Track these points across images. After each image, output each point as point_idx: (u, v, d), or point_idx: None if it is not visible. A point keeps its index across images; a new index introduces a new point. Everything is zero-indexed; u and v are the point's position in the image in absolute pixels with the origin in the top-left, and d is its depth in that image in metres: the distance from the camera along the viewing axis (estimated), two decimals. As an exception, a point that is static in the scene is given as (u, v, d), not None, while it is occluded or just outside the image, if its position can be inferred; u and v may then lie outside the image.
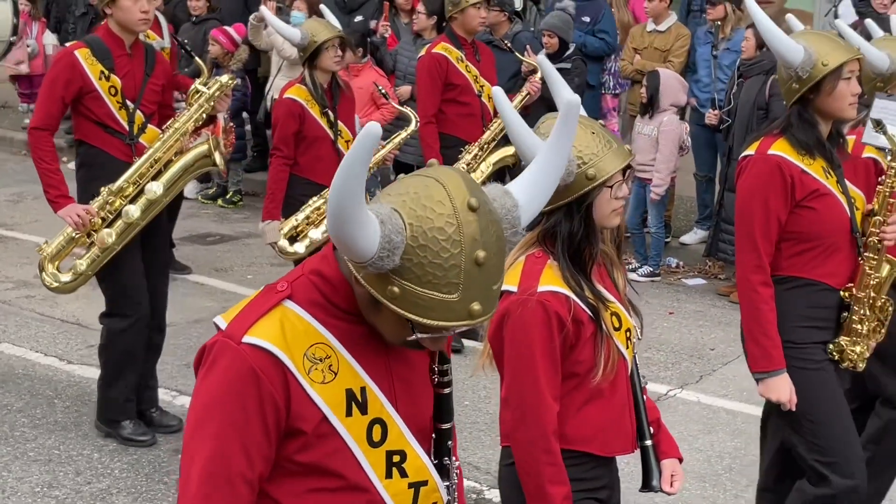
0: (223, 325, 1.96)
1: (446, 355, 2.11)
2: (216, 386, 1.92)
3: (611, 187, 2.68)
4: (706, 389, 6.12)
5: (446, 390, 2.12)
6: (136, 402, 5.21)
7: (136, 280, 5.05)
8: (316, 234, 5.58)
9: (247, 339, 1.91)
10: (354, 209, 1.77)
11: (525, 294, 2.66)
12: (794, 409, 3.53)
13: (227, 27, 9.35)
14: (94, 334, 6.51)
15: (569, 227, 2.69)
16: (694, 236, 8.63)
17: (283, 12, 9.26)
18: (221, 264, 8.12)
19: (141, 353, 5.16)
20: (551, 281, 2.67)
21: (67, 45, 5.12)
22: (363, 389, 1.98)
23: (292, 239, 5.53)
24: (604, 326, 2.70)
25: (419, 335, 1.88)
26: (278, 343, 1.91)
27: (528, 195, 2.04)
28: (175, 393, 5.70)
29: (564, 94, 2.85)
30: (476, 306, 1.83)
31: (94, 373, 5.92)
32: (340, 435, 1.96)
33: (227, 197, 9.82)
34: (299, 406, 1.92)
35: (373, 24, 9.63)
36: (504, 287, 2.70)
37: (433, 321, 1.83)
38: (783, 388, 3.53)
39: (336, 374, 1.95)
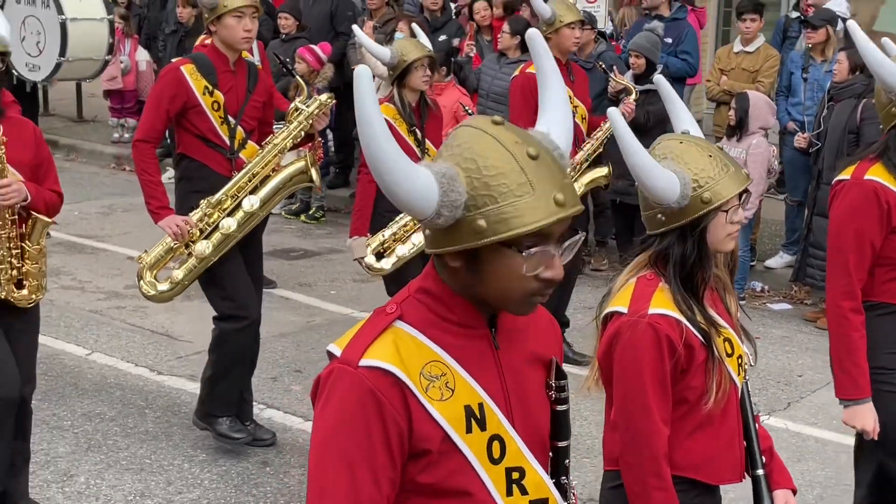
0: (337, 353, 1.96)
1: (563, 370, 2.11)
2: (338, 413, 1.91)
3: (726, 212, 2.65)
4: (794, 417, 6.03)
5: (563, 407, 2.10)
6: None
7: (244, 284, 5.12)
8: (403, 250, 5.60)
9: (364, 361, 1.90)
10: (396, 161, 1.83)
11: (635, 316, 2.64)
12: (876, 437, 3.48)
13: (313, 45, 9.46)
14: (182, 345, 6.65)
15: (682, 250, 2.66)
16: (780, 260, 8.51)
17: (375, 31, 9.35)
18: (305, 279, 8.21)
19: (249, 356, 5.22)
20: (663, 304, 2.65)
21: (174, 60, 5.22)
22: (481, 405, 1.97)
23: (379, 255, 5.56)
24: (715, 352, 2.67)
25: (528, 258, 1.86)
26: (395, 362, 1.91)
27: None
28: (262, 406, 5.76)
29: (684, 117, 2.85)
30: (559, 195, 1.84)
31: (184, 384, 6.04)
32: (462, 453, 1.95)
33: (311, 213, 9.93)
34: (421, 425, 1.91)
35: (455, 42, 9.69)
36: (614, 308, 2.71)
37: (529, 225, 1.83)
38: (867, 417, 3.49)
39: (453, 391, 1.94)
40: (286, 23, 9.80)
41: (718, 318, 2.73)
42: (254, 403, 5.57)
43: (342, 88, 10.24)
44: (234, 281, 5.07)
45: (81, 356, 6.43)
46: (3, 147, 4.13)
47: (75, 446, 5.27)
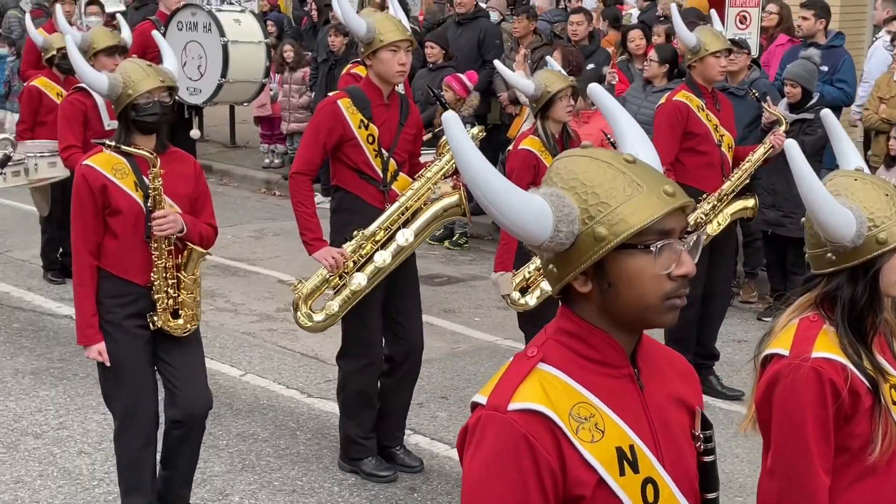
0: (483, 401, 1.95)
1: (708, 420, 2.08)
2: (489, 460, 1.89)
3: None
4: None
5: (710, 458, 2.07)
6: (378, 438, 5.36)
7: (374, 323, 5.23)
8: (547, 285, 5.60)
9: (513, 405, 1.89)
10: (505, 191, 1.89)
11: (798, 359, 2.57)
12: None
13: (460, 74, 9.58)
14: (332, 369, 6.75)
15: (852, 292, 2.58)
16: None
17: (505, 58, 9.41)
18: (449, 305, 8.28)
19: (375, 393, 5.32)
20: (827, 348, 2.56)
21: (330, 94, 5.36)
22: (631, 447, 1.94)
23: (524, 290, 5.57)
24: (882, 400, 2.58)
25: (657, 255, 1.88)
26: (545, 403, 1.90)
27: None
28: (409, 431, 5.81)
29: (851, 155, 2.77)
30: (667, 187, 1.91)
31: (333, 407, 6.14)
32: (619, 497, 1.92)
33: (454, 239, 10.02)
34: (575, 469, 1.89)
35: (604, 70, 9.67)
36: (774, 350, 2.65)
37: (647, 218, 1.87)
38: None
39: (603, 433, 1.92)
40: (433, 52, 9.95)
41: (886, 365, 2.64)
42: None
43: (487, 117, 10.37)
44: (368, 320, 5.17)
45: (235, 377, 6.63)
46: (161, 180, 4.32)
47: (230, 466, 5.44)
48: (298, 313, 5.17)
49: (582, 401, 1.93)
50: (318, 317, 5.12)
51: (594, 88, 2.28)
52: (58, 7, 8.10)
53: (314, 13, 12.73)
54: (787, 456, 2.58)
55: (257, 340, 7.31)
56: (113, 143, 4.29)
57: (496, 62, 6.59)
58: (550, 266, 1.96)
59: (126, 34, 7.60)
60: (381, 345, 5.30)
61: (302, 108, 11.75)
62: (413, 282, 5.40)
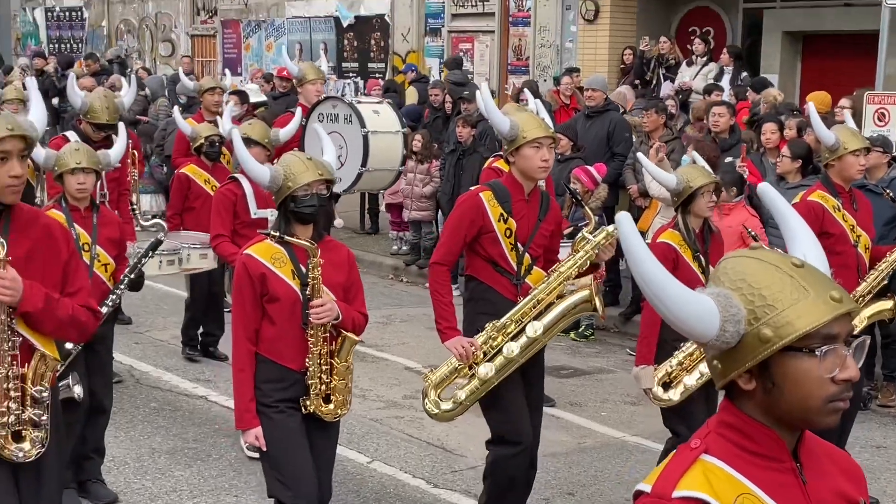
0: (647, 489, 2.00)
1: None
2: None
3: None
4: None
5: None
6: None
7: (520, 410, 5.23)
8: (690, 380, 5.51)
9: (677, 493, 1.95)
10: (674, 289, 1.96)
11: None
12: None
13: (588, 167, 9.64)
14: (457, 459, 6.79)
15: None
16: None
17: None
18: (576, 398, 8.22)
19: (524, 481, 5.30)
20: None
21: (472, 188, 5.48)
22: None
23: (666, 385, 5.51)
24: None
25: (821, 359, 1.91)
26: (709, 492, 1.94)
27: None
28: (534, 527, 5.78)
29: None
30: (834, 293, 1.94)
31: (459, 498, 6.15)
32: None
33: (580, 331, 9.98)
34: None
35: (736, 163, 9.60)
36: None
37: (812, 324, 1.91)
38: None
39: None
40: (562, 143, 10.03)
41: None
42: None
43: (614, 208, 10.39)
44: (512, 406, 5.18)
45: (363, 463, 6.69)
46: (320, 269, 4.46)
47: (357, 554, 5.47)
48: (427, 401, 5.22)
49: (746, 492, 1.97)
50: (446, 405, 5.16)
51: (765, 189, 2.32)
52: (229, 105, 8.49)
53: (448, 105, 13.03)
54: None
55: (384, 427, 7.37)
56: (276, 234, 4.46)
57: (639, 155, 6.63)
58: (715, 362, 2.02)
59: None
60: (530, 431, 5.29)
61: (425, 197, 11.95)
62: (541, 376, 5.40)
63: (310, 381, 4.51)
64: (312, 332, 4.49)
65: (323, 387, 4.53)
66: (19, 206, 3.78)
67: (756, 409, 1.99)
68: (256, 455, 5.32)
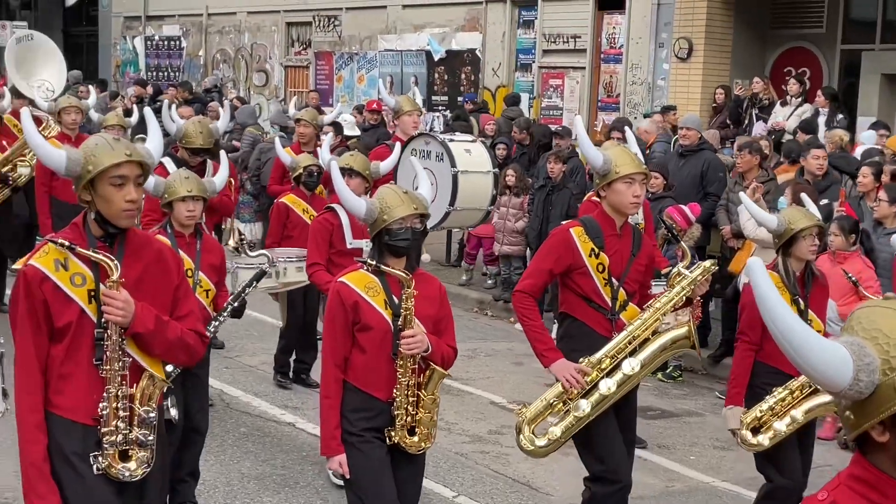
0: None
1: None
2: None
3: None
4: None
5: None
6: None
7: (618, 447, 5.21)
8: (780, 425, 5.42)
9: None
10: (807, 336, 1.93)
11: None
12: None
13: (682, 206, 9.55)
14: (543, 497, 6.74)
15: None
16: None
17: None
18: (663, 441, 8.11)
19: None
20: None
21: (563, 222, 5.47)
22: None
23: (755, 429, 5.41)
24: None
25: None
26: None
27: None
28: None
29: None
30: None
31: (546, 537, 6.10)
32: None
33: (668, 371, 9.85)
34: None
35: (834, 205, 9.44)
36: None
37: None
38: None
39: None
40: (655, 182, 9.97)
41: None
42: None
43: (706, 248, 10.28)
44: (609, 443, 5.14)
45: (448, 498, 6.67)
46: (412, 300, 4.48)
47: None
48: (521, 437, 5.19)
49: None
50: (541, 441, 5.13)
51: None
52: (328, 136, 8.62)
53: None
54: None
55: (469, 462, 7.35)
56: (372, 263, 4.50)
57: (742, 195, 6.56)
58: (847, 413, 1.98)
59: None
60: (628, 468, 5.23)
61: (517, 232, 11.96)
62: (632, 409, 5.36)
63: (396, 412, 4.52)
64: (402, 362, 4.50)
65: (409, 418, 4.54)
66: (133, 230, 3.88)
67: (889, 462, 1.95)
68: (342, 483, 5.35)
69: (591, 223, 5.19)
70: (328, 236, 7.13)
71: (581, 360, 5.09)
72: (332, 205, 7.30)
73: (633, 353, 5.10)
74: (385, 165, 7.69)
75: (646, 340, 5.13)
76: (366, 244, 6.99)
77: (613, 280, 5.14)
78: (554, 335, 5.43)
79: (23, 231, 10.55)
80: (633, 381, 5.11)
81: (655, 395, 9.38)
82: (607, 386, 5.04)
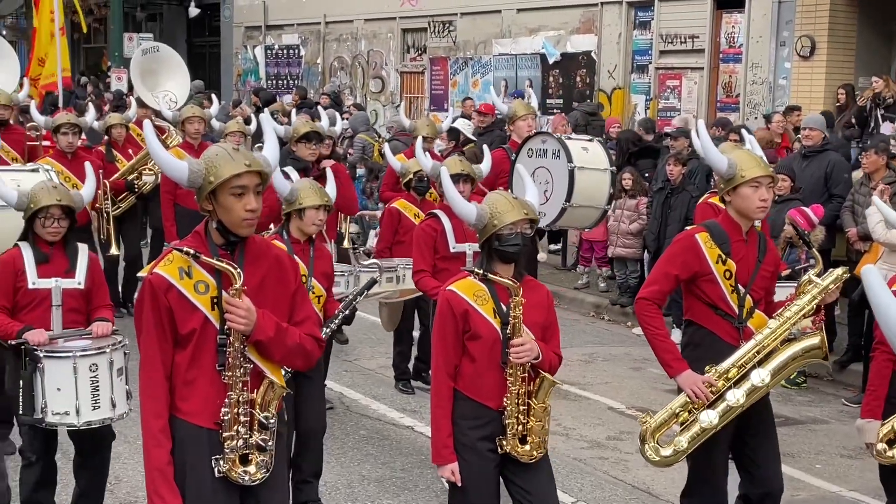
0: None
1: None
2: None
3: None
4: None
5: None
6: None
7: (722, 466, 5.09)
8: (919, 438, 5.20)
9: None
10: None
11: None
12: None
13: (805, 208, 9.30)
14: (663, 505, 6.64)
15: None
16: None
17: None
18: (788, 449, 7.86)
19: None
20: None
21: (687, 228, 5.37)
22: None
23: (891, 442, 5.20)
24: None
25: None
26: None
27: None
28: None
29: None
30: None
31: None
32: None
33: (792, 378, 9.59)
34: None
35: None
36: None
37: None
38: None
39: None
40: (782, 184, 9.72)
41: None
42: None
43: (831, 251, 9.98)
44: (716, 462, 5.05)
45: (567, 504, 6.63)
46: (521, 308, 4.46)
47: None
48: (646, 446, 5.08)
49: None
50: (666, 451, 5.02)
51: None
52: (419, 140, 8.67)
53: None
54: None
55: (588, 468, 7.27)
56: (480, 272, 4.50)
57: (874, 197, 6.36)
58: None
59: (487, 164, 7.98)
60: (726, 488, 5.12)
61: (631, 234, 11.81)
62: (769, 420, 5.19)
63: (507, 421, 4.49)
64: (511, 371, 4.48)
65: (520, 427, 4.51)
66: (252, 237, 3.94)
67: None
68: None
69: (717, 228, 5.05)
70: (432, 242, 7.16)
71: (707, 369, 4.96)
72: (435, 210, 7.33)
73: (761, 363, 4.94)
74: (485, 166, 7.71)
75: (774, 350, 4.96)
76: (468, 247, 7.02)
77: (740, 287, 4.99)
78: (677, 341, 5.32)
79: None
80: (762, 391, 4.94)
81: (780, 402, 9.12)
82: (735, 397, 4.88)
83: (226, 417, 3.82)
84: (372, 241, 13.21)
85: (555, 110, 18.72)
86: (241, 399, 3.83)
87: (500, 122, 13.02)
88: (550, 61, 18.95)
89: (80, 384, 5.21)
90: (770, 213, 9.05)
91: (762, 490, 5.15)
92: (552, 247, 14.64)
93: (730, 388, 4.90)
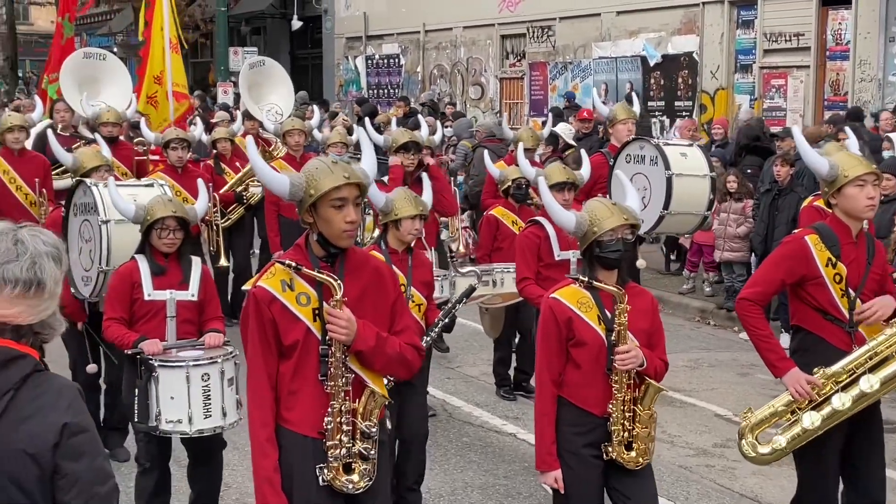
0: None
1: None
2: None
3: None
4: None
5: None
6: None
7: (834, 473, 4.96)
8: None
9: None
10: None
11: None
12: None
13: None
14: (777, 514, 6.49)
15: None
16: None
17: None
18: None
19: None
20: None
21: (795, 231, 5.26)
22: None
23: None
24: None
25: None
26: None
27: None
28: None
29: None
30: None
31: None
32: None
33: None
34: None
35: None
36: None
37: None
38: None
39: None
40: (887, 183, 9.44)
41: None
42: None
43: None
44: (827, 469, 4.92)
45: (673, 513, 6.54)
46: (626, 315, 4.43)
47: None
48: (744, 442, 5.01)
49: None
50: (764, 449, 4.93)
51: None
52: (520, 146, 8.70)
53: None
54: None
55: (694, 476, 7.16)
56: (584, 279, 4.48)
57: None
58: None
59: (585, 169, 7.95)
60: (836, 497, 5.00)
61: (738, 237, 11.60)
62: (877, 427, 5.04)
63: (612, 428, 4.49)
64: (616, 377, 4.47)
65: (626, 434, 4.50)
66: (352, 249, 4.00)
67: None
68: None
69: (827, 231, 4.92)
70: (535, 250, 7.15)
71: (816, 370, 4.85)
72: (538, 217, 7.31)
73: (872, 370, 4.81)
74: (584, 172, 7.67)
75: (888, 358, 4.82)
76: (573, 255, 6.98)
77: (850, 291, 4.87)
78: (786, 347, 5.20)
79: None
80: (870, 398, 4.80)
81: (892, 408, 8.86)
82: (841, 401, 4.76)
83: (329, 427, 3.88)
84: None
85: (657, 113, 18.53)
86: (343, 408, 3.89)
87: (597, 126, 12.95)
88: (651, 63, 18.76)
89: (192, 393, 5.36)
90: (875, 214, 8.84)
91: (865, 500, 5.01)
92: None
93: (837, 392, 4.78)
